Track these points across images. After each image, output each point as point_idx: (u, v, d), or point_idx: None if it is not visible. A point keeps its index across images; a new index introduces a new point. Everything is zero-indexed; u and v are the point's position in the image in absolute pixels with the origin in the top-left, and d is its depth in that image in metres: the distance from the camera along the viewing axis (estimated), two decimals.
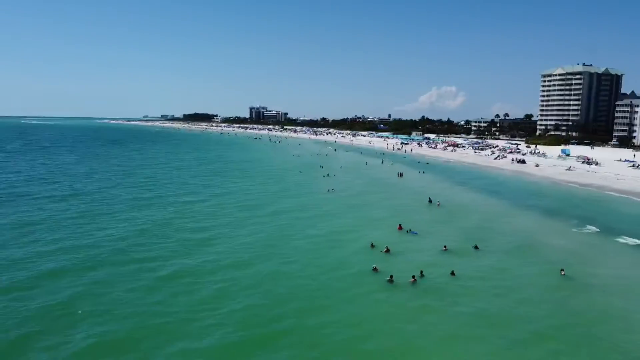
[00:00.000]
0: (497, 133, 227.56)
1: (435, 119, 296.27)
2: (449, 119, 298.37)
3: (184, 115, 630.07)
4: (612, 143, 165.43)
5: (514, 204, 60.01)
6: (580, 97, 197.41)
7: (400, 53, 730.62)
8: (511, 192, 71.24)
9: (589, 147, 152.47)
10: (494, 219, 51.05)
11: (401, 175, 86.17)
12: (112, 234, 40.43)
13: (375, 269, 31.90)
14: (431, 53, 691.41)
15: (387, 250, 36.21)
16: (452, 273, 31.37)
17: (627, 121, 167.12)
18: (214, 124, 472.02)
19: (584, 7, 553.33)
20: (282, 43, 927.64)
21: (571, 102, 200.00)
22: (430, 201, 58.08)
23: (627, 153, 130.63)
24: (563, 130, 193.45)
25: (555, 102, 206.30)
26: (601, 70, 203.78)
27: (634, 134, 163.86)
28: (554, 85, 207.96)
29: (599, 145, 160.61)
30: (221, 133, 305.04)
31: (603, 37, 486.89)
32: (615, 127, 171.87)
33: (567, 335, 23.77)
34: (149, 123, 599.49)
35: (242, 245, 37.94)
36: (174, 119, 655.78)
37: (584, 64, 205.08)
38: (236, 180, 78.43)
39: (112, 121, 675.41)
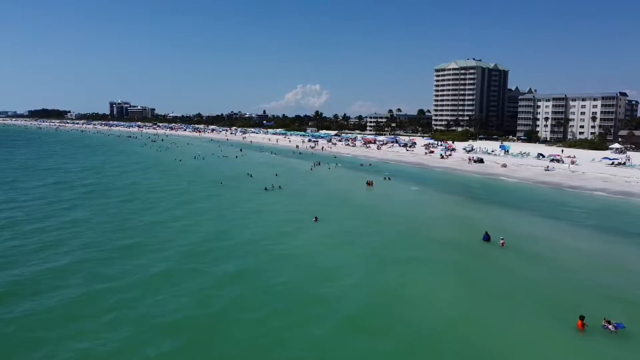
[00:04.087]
0: (396, 129, 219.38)
1: (301, 115, 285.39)
2: (336, 115, 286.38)
3: (29, 111, 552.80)
4: (521, 137, 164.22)
5: (593, 230, 42.73)
6: (474, 91, 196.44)
7: (268, 53, 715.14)
8: (545, 207, 52.56)
9: (498, 142, 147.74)
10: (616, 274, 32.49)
11: (370, 184, 65.21)
12: None
13: None
14: (298, 54, 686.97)
15: None
16: None
17: (530, 116, 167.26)
18: (68, 121, 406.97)
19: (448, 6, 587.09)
20: (143, 31, 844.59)
21: (466, 97, 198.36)
22: (488, 239, 36.93)
23: (541, 148, 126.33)
24: (461, 125, 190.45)
25: (450, 97, 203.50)
26: (491, 65, 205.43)
27: (537, 129, 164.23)
28: (448, 79, 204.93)
29: (509, 140, 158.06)
30: (82, 131, 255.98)
31: (490, 35, 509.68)
32: (519, 122, 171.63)
33: None
34: None
35: None
36: (16, 115, 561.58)
37: (474, 59, 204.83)
38: (175, 206, 50.93)
39: None
